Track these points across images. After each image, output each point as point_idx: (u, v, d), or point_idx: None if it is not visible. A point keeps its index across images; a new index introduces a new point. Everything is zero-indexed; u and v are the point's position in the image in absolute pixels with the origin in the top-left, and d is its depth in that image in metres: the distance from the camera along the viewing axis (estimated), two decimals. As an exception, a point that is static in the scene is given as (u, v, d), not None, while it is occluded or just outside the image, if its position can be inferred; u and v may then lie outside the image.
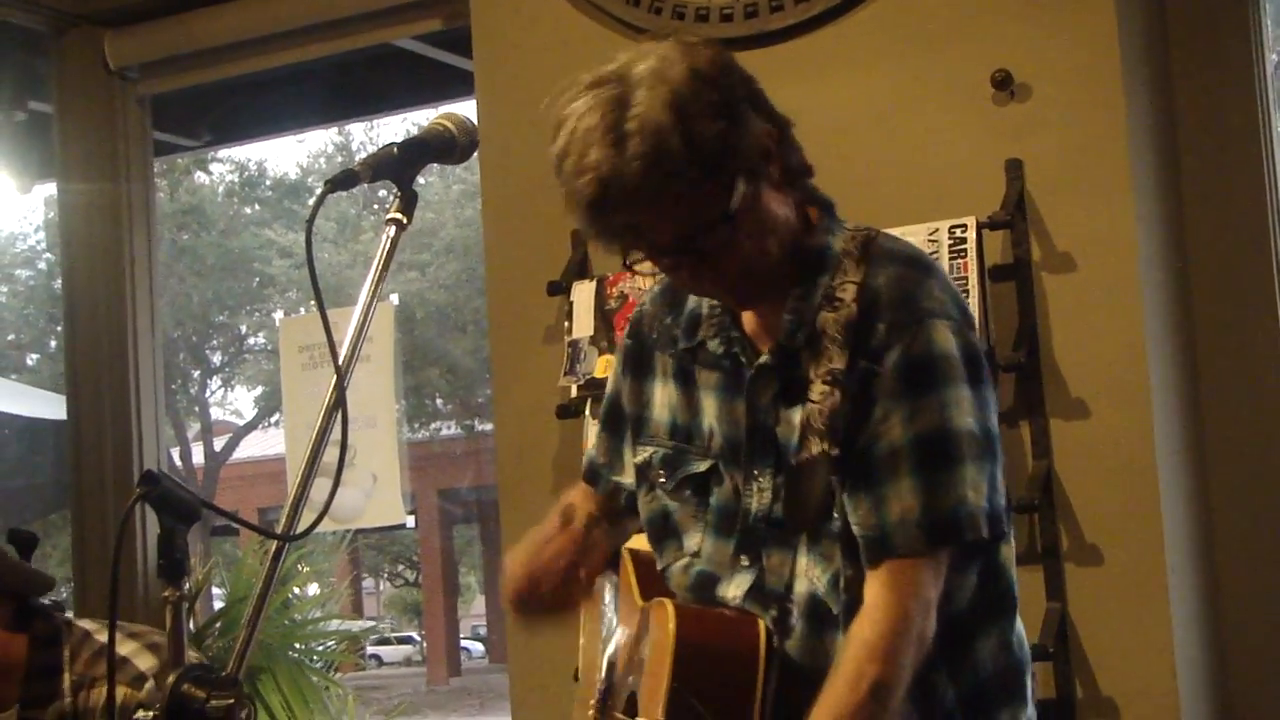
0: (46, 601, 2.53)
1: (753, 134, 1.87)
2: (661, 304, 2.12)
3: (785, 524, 1.92)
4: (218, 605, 7.77)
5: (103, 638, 2.41)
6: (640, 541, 2.20)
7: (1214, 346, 3.36)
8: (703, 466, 2.02)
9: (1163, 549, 3.06)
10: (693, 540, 2.03)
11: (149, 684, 2.33)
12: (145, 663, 2.40)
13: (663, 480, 2.06)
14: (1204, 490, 3.34)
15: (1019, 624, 2.03)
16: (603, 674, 2.18)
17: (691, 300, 2.06)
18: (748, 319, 2.01)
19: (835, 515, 1.89)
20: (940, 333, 1.87)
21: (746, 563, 1.97)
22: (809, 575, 1.92)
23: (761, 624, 1.92)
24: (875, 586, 1.85)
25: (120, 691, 2.34)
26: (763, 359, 1.95)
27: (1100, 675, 3.09)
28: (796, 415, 1.92)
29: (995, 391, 1.97)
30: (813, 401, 1.87)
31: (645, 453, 2.09)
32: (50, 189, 5.46)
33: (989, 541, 1.90)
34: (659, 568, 2.08)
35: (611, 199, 1.82)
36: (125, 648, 2.39)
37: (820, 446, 1.86)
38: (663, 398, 2.08)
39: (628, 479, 2.16)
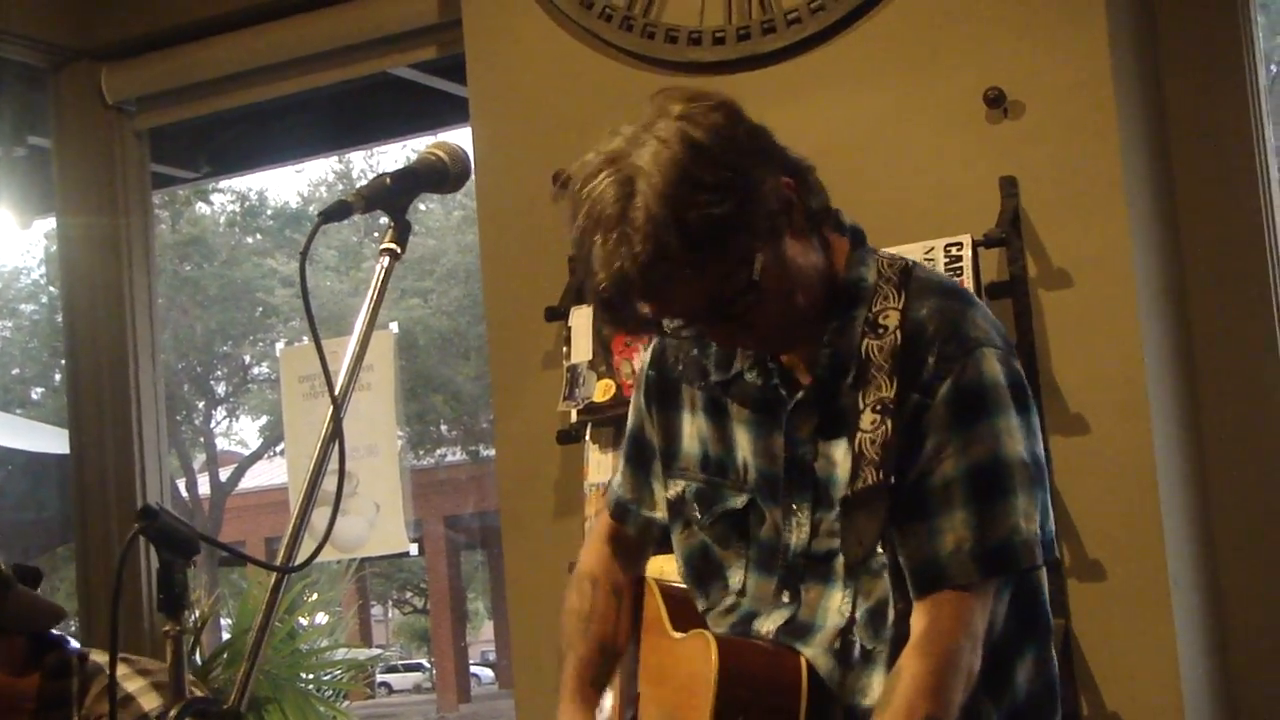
0: (58, 633, 2.52)
1: (765, 199, 1.84)
2: (688, 336, 2.10)
3: (841, 554, 1.91)
4: (225, 637, 7.76)
5: (116, 671, 2.41)
6: (657, 569, 2.19)
7: (1212, 360, 3.36)
8: (739, 502, 2.01)
9: (1165, 563, 3.06)
10: (736, 578, 2.03)
11: None
12: (150, 703, 2.39)
13: (698, 515, 2.05)
14: (1205, 504, 3.34)
15: (1051, 646, 2.04)
16: (617, 699, 2.18)
17: None
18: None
19: (879, 549, 1.88)
20: (989, 362, 1.88)
21: (786, 599, 1.97)
22: (840, 610, 1.92)
23: (803, 659, 1.92)
24: (924, 619, 1.84)
25: None
26: (801, 394, 1.94)
27: (1105, 691, 3.09)
28: (837, 450, 1.91)
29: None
30: (863, 431, 1.86)
31: (678, 487, 2.08)
32: (51, 223, 5.47)
33: (1041, 567, 1.91)
34: (701, 608, 2.06)
35: (630, 290, 1.81)
36: (132, 684, 2.38)
37: (876, 477, 1.84)
38: (692, 430, 2.07)
39: (659, 514, 2.15)
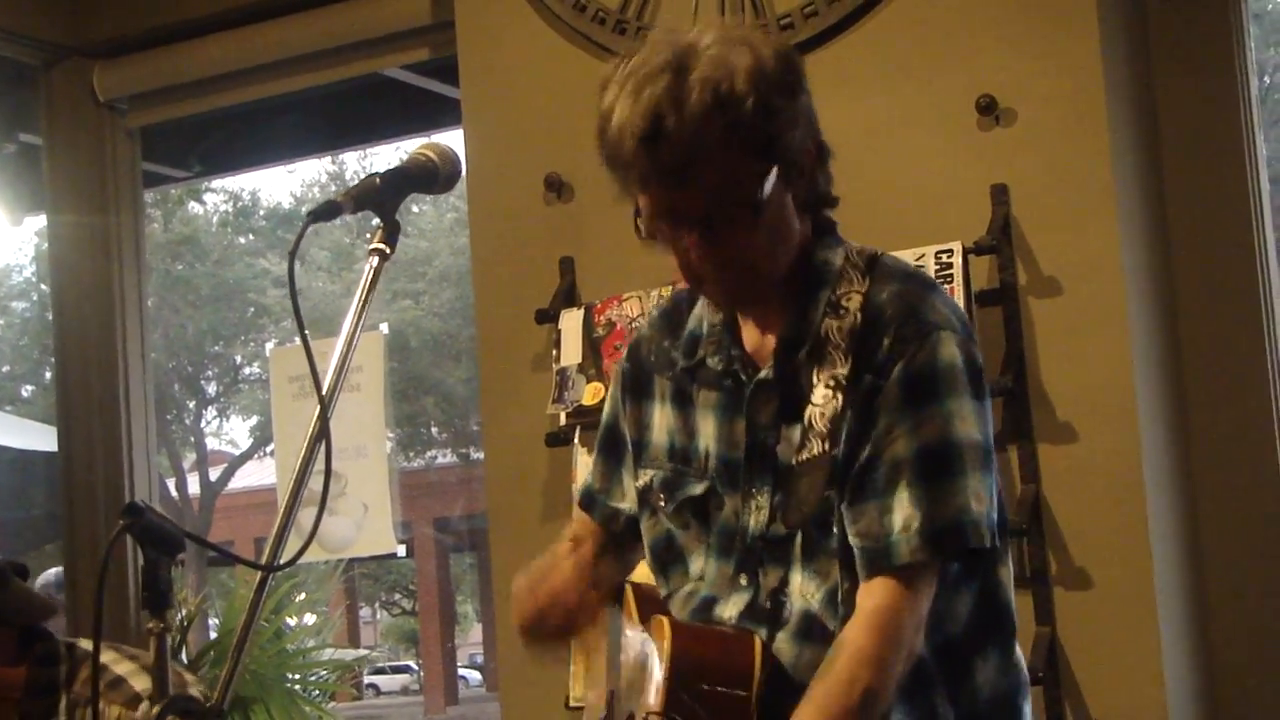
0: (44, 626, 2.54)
1: (799, 140, 1.90)
2: (660, 328, 2.12)
3: (781, 525, 1.92)
4: (214, 635, 7.75)
5: (103, 658, 2.43)
6: (642, 574, 2.20)
7: (1201, 369, 3.36)
8: (699, 489, 2.02)
9: (1151, 572, 3.07)
10: (696, 564, 2.03)
11: (144, 704, 2.34)
12: (141, 684, 2.42)
13: (663, 504, 2.06)
14: (1192, 513, 3.34)
15: (1017, 647, 2.04)
16: (605, 703, 2.18)
17: (690, 322, 2.07)
18: (748, 338, 2.01)
19: (834, 530, 1.89)
20: (945, 345, 1.89)
21: (745, 582, 1.97)
22: (804, 592, 1.92)
23: (757, 640, 1.92)
24: (870, 597, 1.85)
25: (114, 711, 2.35)
26: (763, 374, 1.96)
27: (1090, 699, 3.09)
28: (797, 431, 1.92)
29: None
30: (814, 404, 1.90)
31: (645, 476, 2.09)
32: (42, 221, 5.47)
33: (989, 552, 1.91)
34: (663, 594, 2.08)
35: (664, 132, 1.81)
36: (122, 667, 2.41)
37: (820, 447, 1.88)
38: (661, 421, 2.09)
39: (625, 504, 2.15)
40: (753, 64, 1.84)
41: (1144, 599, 3.06)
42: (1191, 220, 3.40)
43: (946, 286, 3.10)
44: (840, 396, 1.88)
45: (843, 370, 1.89)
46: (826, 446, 1.87)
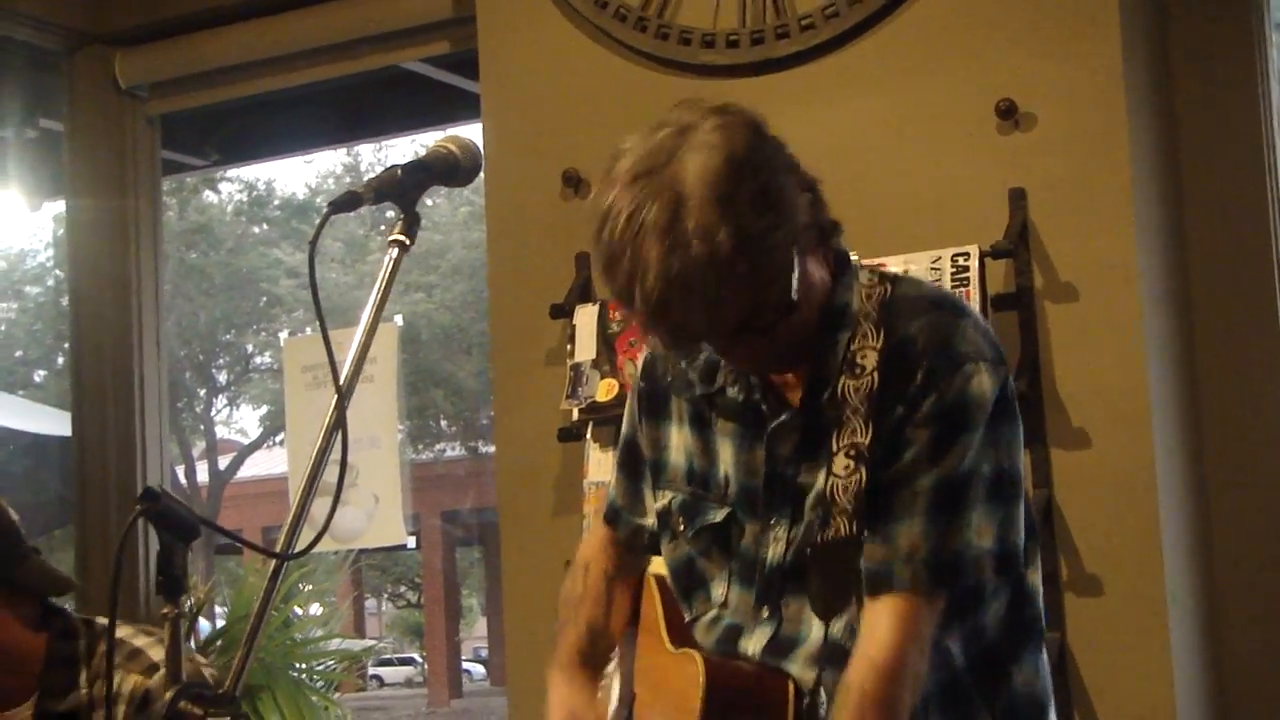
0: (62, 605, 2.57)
1: (799, 211, 1.85)
2: None
3: (809, 594, 1.91)
4: (221, 624, 7.77)
5: (120, 633, 2.45)
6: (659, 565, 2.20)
7: (1216, 376, 3.36)
8: (719, 516, 2.01)
9: (1163, 578, 3.06)
10: (719, 590, 2.02)
11: (160, 673, 2.36)
12: (158, 654, 2.44)
13: (683, 529, 2.05)
14: (1205, 520, 3.34)
15: (1044, 652, 2.04)
16: (614, 704, 2.18)
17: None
18: None
19: (860, 576, 1.88)
20: (976, 378, 1.87)
21: (766, 614, 1.97)
22: (828, 624, 1.91)
23: (789, 681, 1.91)
24: (874, 624, 1.85)
25: (133, 679, 2.37)
26: (784, 417, 1.94)
27: (1099, 706, 3.09)
28: (819, 472, 1.91)
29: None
30: (836, 476, 1.86)
31: (665, 498, 2.08)
32: (60, 206, 5.48)
33: (1000, 579, 1.90)
34: (687, 619, 2.07)
35: (674, 298, 1.78)
36: (139, 640, 2.43)
37: (848, 529, 1.84)
38: (679, 442, 2.07)
39: (649, 521, 2.15)
40: (725, 195, 1.76)
41: (1155, 605, 3.06)
42: (1209, 226, 3.39)
43: (962, 290, 3.10)
44: (863, 471, 1.85)
45: (863, 440, 1.85)
46: (854, 529, 1.84)
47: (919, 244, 3.17)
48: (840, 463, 1.86)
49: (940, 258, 3.15)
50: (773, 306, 1.83)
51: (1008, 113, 3.22)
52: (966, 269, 3.13)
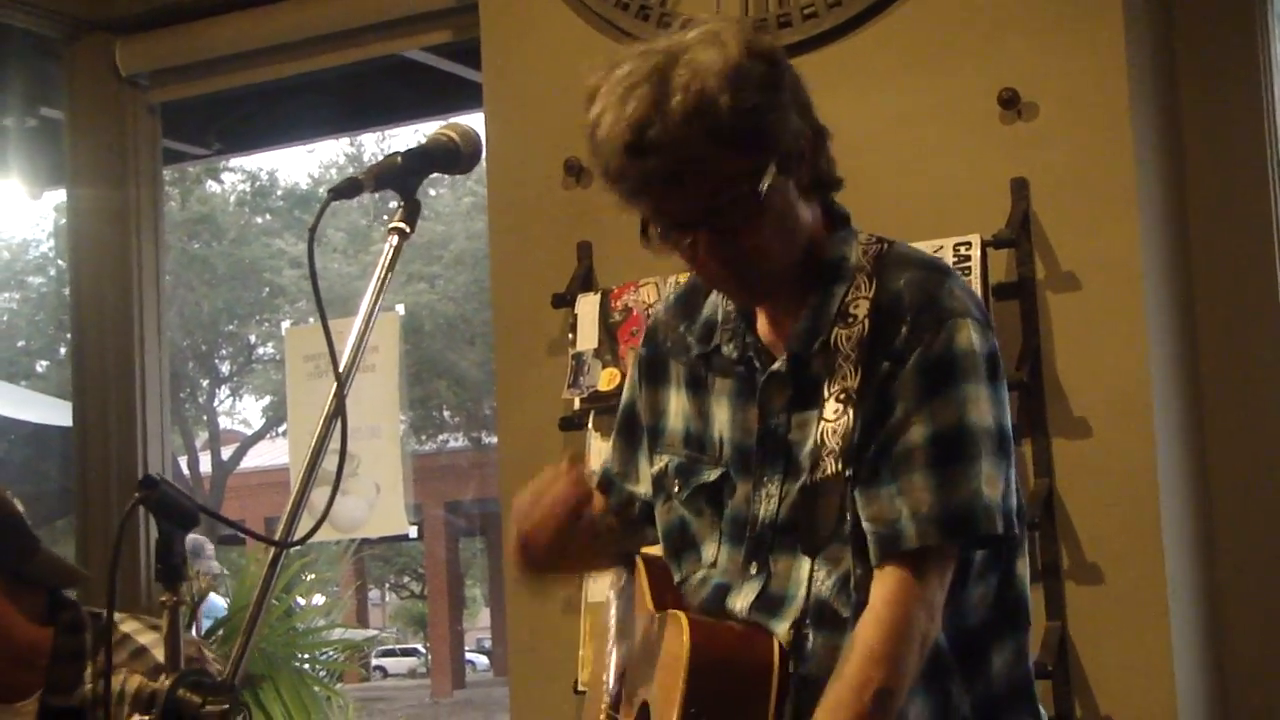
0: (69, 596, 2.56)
1: (792, 128, 1.89)
2: (676, 312, 2.12)
3: (799, 542, 1.92)
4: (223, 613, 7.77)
5: (125, 627, 2.45)
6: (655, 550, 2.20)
7: (1218, 366, 3.36)
8: (713, 475, 2.02)
9: (1164, 569, 3.06)
10: (709, 551, 2.03)
11: (164, 678, 2.35)
12: (164, 654, 2.43)
13: (677, 490, 2.07)
14: (1206, 510, 3.34)
15: (1028, 637, 2.04)
16: (612, 681, 2.18)
17: (706, 308, 2.07)
18: (762, 327, 2.01)
19: (848, 517, 1.89)
20: (962, 331, 1.88)
21: (755, 570, 1.97)
22: (815, 580, 1.92)
23: (775, 639, 1.92)
24: (881, 587, 1.85)
25: (136, 680, 2.36)
26: (776, 366, 1.96)
27: (1099, 695, 3.09)
28: (811, 423, 1.92)
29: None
30: (826, 420, 1.89)
31: (661, 462, 2.09)
32: (61, 195, 5.48)
33: (1003, 539, 1.90)
34: (676, 580, 2.08)
35: (648, 143, 1.82)
36: (145, 637, 2.42)
37: (835, 467, 1.87)
38: (677, 406, 2.09)
39: (642, 488, 2.16)
40: (727, 64, 1.83)
41: (1155, 595, 3.06)
42: (1211, 217, 3.39)
43: (964, 279, 3.10)
44: (851, 412, 1.87)
45: (853, 383, 1.88)
46: (840, 467, 1.87)
47: (921, 233, 3.16)
48: (830, 407, 1.89)
49: (942, 247, 3.15)
50: (738, 197, 1.85)
51: (1010, 102, 3.21)
52: (968, 258, 3.13)
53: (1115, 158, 3.15)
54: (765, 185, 1.86)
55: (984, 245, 3.14)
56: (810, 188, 1.94)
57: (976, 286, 3.09)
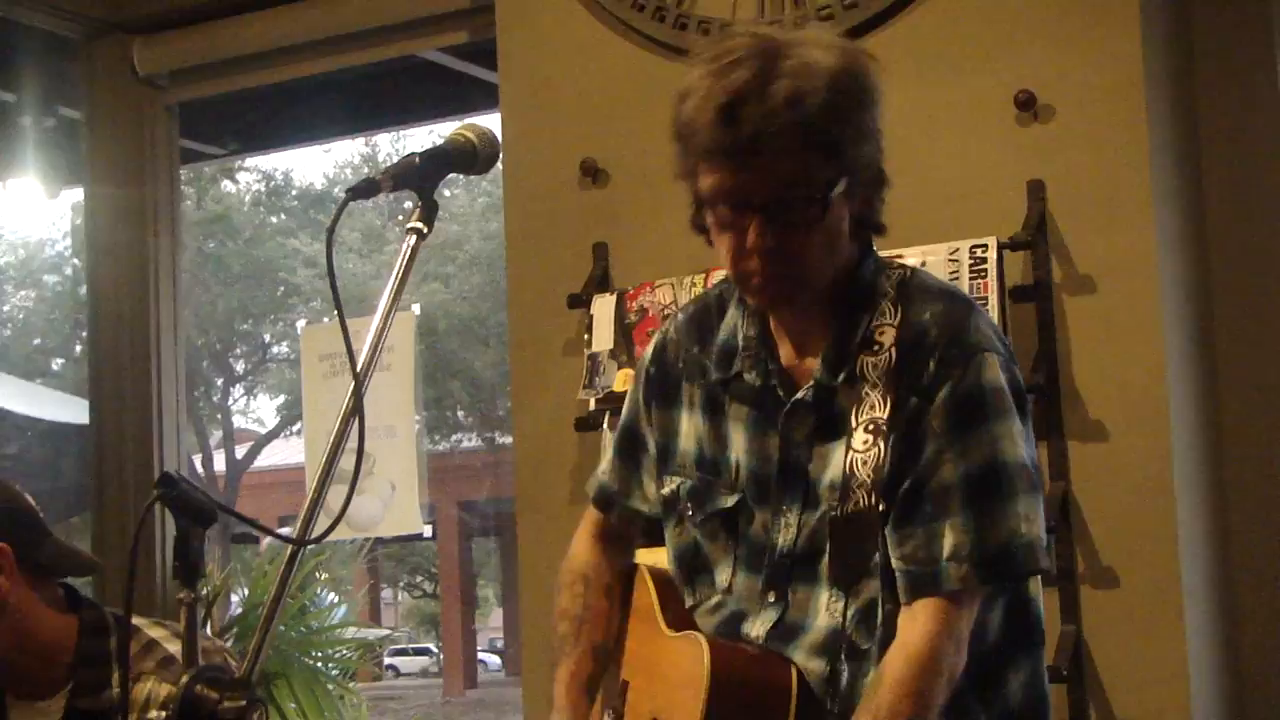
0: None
1: (869, 155, 1.91)
2: (687, 332, 2.10)
3: (817, 572, 1.92)
4: (238, 612, 7.79)
5: (150, 633, 2.45)
6: (649, 558, 2.19)
7: (1234, 370, 3.35)
8: (730, 502, 2.01)
9: (1179, 573, 3.05)
10: (723, 576, 2.02)
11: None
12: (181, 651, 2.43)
13: (691, 513, 2.05)
14: (1222, 514, 3.33)
15: (1043, 657, 2.04)
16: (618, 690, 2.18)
17: (722, 331, 2.06)
18: (784, 353, 2.00)
19: (877, 552, 1.88)
20: (989, 368, 1.88)
21: (773, 599, 1.97)
22: (830, 609, 1.92)
23: (793, 665, 1.92)
24: (912, 622, 1.85)
25: (164, 689, 2.36)
26: (800, 395, 1.94)
27: (1115, 699, 3.08)
28: (835, 454, 1.91)
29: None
30: (855, 450, 1.88)
31: (673, 484, 2.08)
32: (78, 194, 5.49)
33: (1043, 572, 1.91)
34: (688, 604, 2.07)
35: (744, 114, 1.82)
36: (173, 646, 2.42)
37: (868, 501, 1.86)
38: (689, 428, 2.07)
39: (645, 507, 2.15)
40: (834, 69, 1.85)
41: (1170, 599, 3.05)
42: (1229, 220, 3.38)
43: (980, 281, 3.10)
44: (882, 444, 1.86)
45: (882, 414, 1.87)
46: (873, 500, 1.86)
47: (937, 235, 3.17)
48: (859, 438, 1.88)
49: (958, 249, 3.14)
50: (812, 192, 1.85)
51: (1027, 104, 3.21)
52: (984, 260, 3.12)
53: (1132, 160, 3.15)
54: (836, 193, 1.86)
55: (1000, 247, 3.13)
56: (859, 225, 1.94)
57: (993, 289, 3.09)
